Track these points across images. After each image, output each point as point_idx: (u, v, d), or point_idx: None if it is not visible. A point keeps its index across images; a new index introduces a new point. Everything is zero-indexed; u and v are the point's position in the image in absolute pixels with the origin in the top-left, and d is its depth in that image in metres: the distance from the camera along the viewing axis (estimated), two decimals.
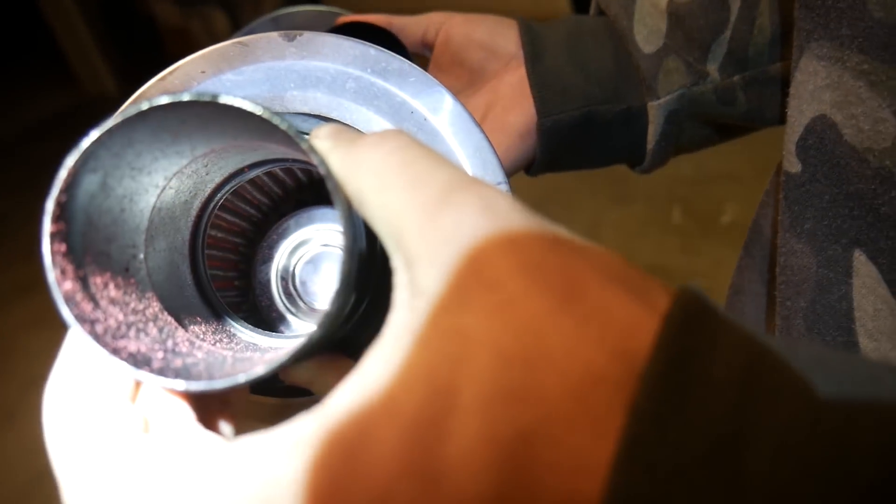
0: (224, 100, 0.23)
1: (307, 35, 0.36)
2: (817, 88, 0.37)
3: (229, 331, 0.35)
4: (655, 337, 0.18)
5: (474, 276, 0.20)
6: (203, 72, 0.35)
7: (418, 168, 0.23)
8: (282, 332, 0.39)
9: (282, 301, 0.40)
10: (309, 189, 0.43)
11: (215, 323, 0.34)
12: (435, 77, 0.60)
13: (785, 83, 0.52)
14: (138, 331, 0.26)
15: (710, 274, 2.34)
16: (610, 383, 0.17)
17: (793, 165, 0.39)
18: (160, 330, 0.28)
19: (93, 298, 0.25)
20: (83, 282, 0.25)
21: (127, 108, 0.23)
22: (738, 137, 0.59)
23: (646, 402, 0.17)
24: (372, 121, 0.35)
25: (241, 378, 0.23)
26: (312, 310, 0.40)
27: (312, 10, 0.60)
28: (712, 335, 0.18)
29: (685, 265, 2.41)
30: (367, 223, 0.24)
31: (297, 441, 0.20)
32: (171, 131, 0.26)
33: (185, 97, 0.23)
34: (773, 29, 0.51)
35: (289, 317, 0.40)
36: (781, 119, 0.53)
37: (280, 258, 0.41)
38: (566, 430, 0.17)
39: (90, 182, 0.25)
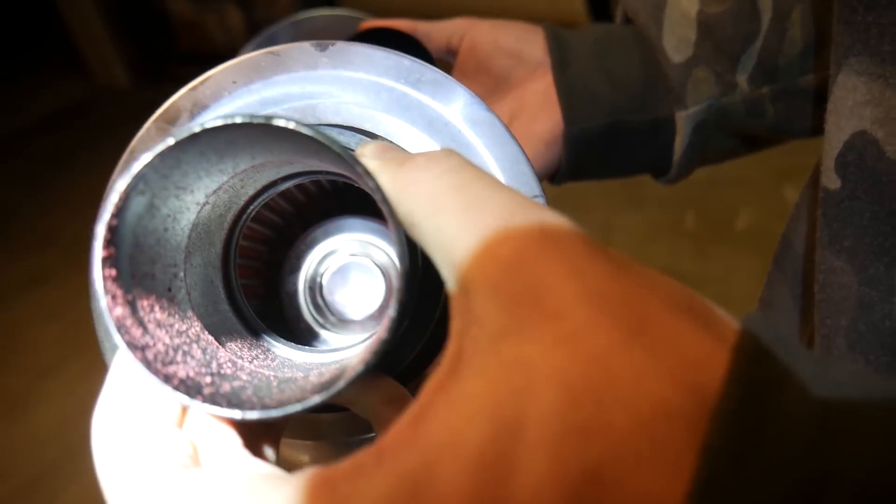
0: (278, 122, 0.23)
1: (339, 45, 0.35)
2: (857, 104, 0.37)
3: (264, 346, 0.35)
4: (727, 371, 0.17)
5: (536, 304, 0.19)
6: (234, 82, 0.35)
7: (472, 191, 0.22)
8: (311, 345, 0.38)
9: (309, 312, 0.40)
10: (332, 196, 0.42)
11: (250, 338, 0.34)
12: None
13: (816, 96, 0.51)
14: (184, 354, 0.26)
15: (723, 279, 2.33)
16: (682, 419, 0.17)
17: (831, 181, 0.39)
18: (203, 351, 0.27)
19: (141, 323, 0.25)
20: (132, 306, 0.25)
21: (179, 130, 0.23)
22: (765, 149, 0.58)
23: (720, 440, 0.16)
24: (406, 132, 0.35)
25: (298, 407, 0.23)
26: (341, 321, 0.40)
27: (335, 15, 0.60)
28: (785, 368, 0.17)
29: (698, 270, 2.40)
30: (413, 242, 0.24)
31: (360, 477, 0.20)
32: (218, 151, 0.26)
33: (238, 119, 0.23)
34: (805, 41, 0.50)
35: (316, 328, 0.40)
36: (812, 131, 0.52)
37: (308, 269, 0.40)
38: (636, 467, 0.17)
39: (138, 204, 0.25)
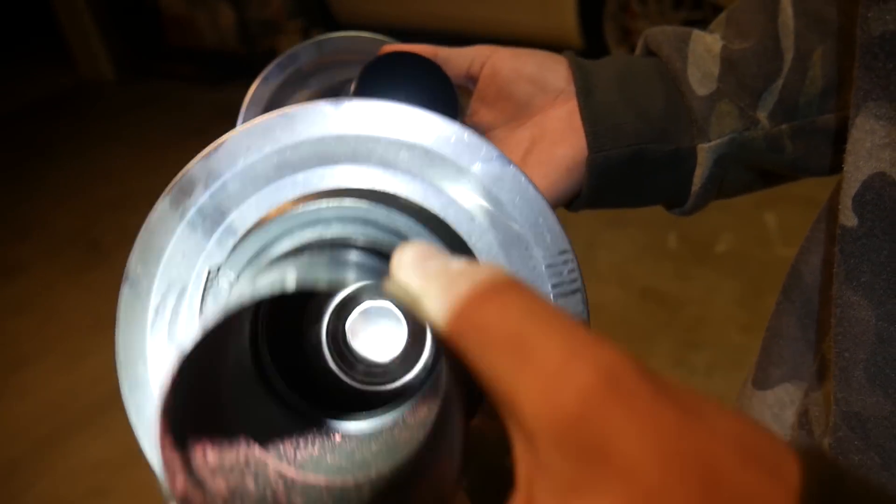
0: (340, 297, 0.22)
1: (355, 102, 0.34)
2: (875, 147, 0.38)
3: (301, 425, 0.34)
4: None
5: (606, 461, 0.19)
6: (248, 147, 0.34)
7: (530, 330, 0.21)
8: (341, 405, 0.37)
9: (335, 363, 0.39)
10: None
11: (288, 422, 0.33)
12: (478, 109, 0.60)
13: (836, 135, 0.52)
14: (241, 497, 0.25)
15: (704, 301, 2.36)
16: None
17: (848, 219, 0.39)
18: (255, 479, 0.26)
19: (200, 485, 0.23)
20: (188, 467, 0.23)
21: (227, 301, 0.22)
22: (781, 185, 0.59)
23: None
24: (428, 193, 0.34)
25: None
26: (367, 371, 0.39)
27: (356, 36, 0.60)
28: None
29: (679, 290, 2.43)
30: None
31: None
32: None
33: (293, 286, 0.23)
34: (826, 81, 0.51)
35: (342, 377, 0.39)
36: (829, 170, 0.53)
37: (330, 318, 0.39)
38: None
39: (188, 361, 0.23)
